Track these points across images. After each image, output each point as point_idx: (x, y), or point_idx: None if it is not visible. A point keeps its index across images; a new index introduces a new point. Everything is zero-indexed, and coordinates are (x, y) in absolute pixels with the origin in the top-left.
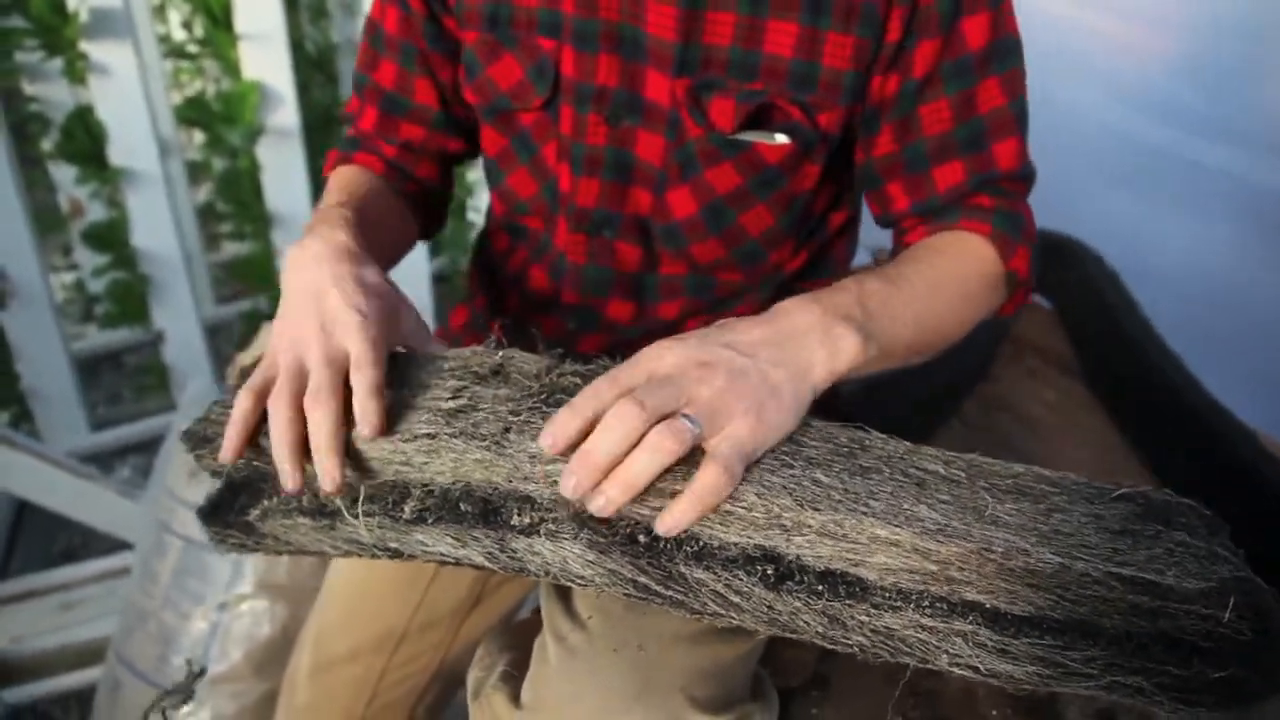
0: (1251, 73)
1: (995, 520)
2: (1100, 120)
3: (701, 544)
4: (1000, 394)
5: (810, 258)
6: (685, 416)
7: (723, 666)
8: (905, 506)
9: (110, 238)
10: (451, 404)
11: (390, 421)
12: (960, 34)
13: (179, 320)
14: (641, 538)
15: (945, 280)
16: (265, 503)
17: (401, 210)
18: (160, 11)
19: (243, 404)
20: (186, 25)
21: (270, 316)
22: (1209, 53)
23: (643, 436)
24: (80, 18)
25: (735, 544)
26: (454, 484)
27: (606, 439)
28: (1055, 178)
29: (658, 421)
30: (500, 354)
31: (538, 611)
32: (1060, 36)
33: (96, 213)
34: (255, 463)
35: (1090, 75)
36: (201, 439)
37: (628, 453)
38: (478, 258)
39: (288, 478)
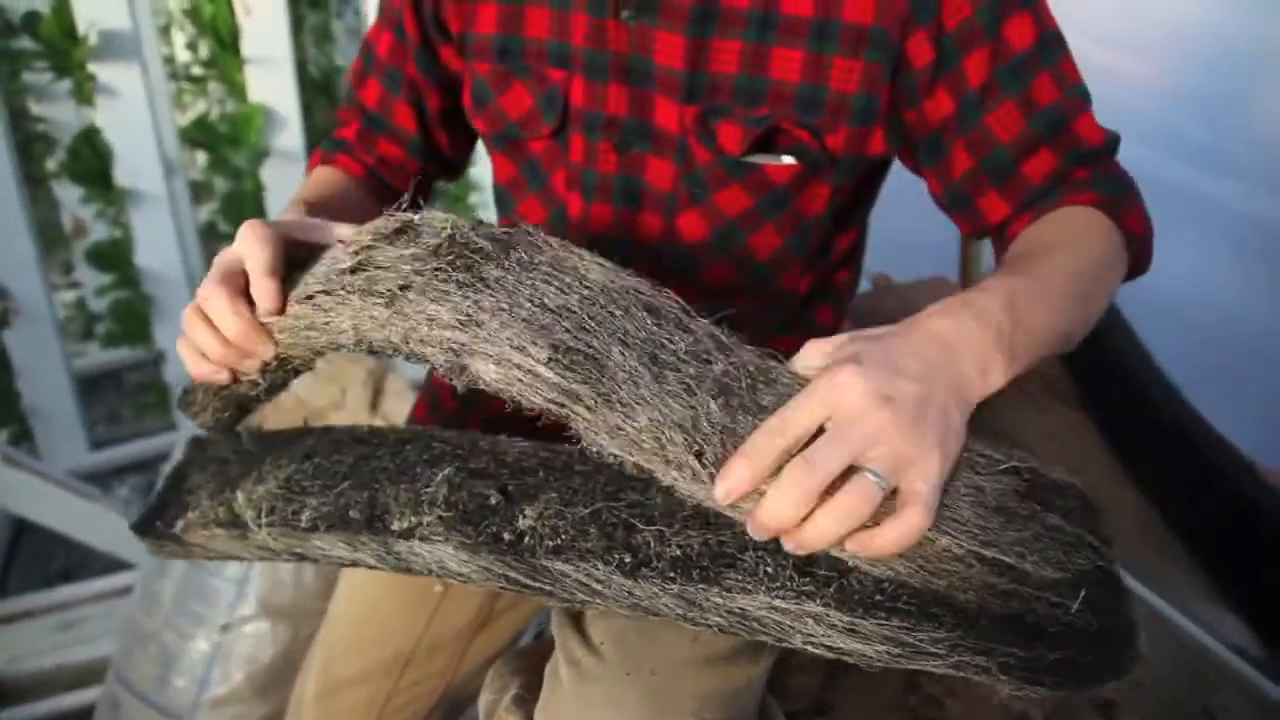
0: (1251, 107)
1: None
2: None
3: (560, 540)
4: (998, 421)
5: (817, 281)
6: (871, 472)
7: (733, 690)
8: None
9: (114, 257)
10: (350, 263)
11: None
12: (1005, 38)
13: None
14: (506, 536)
15: (1084, 264)
16: (186, 516)
17: (372, 210)
18: (166, 33)
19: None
20: (191, 47)
21: None
22: (1210, 87)
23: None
24: (89, 40)
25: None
26: (345, 488)
27: (779, 508)
28: None
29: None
30: (409, 215)
31: (549, 635)
32: None
33: (100, 232)
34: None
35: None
36: (189, 402)
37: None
38: None
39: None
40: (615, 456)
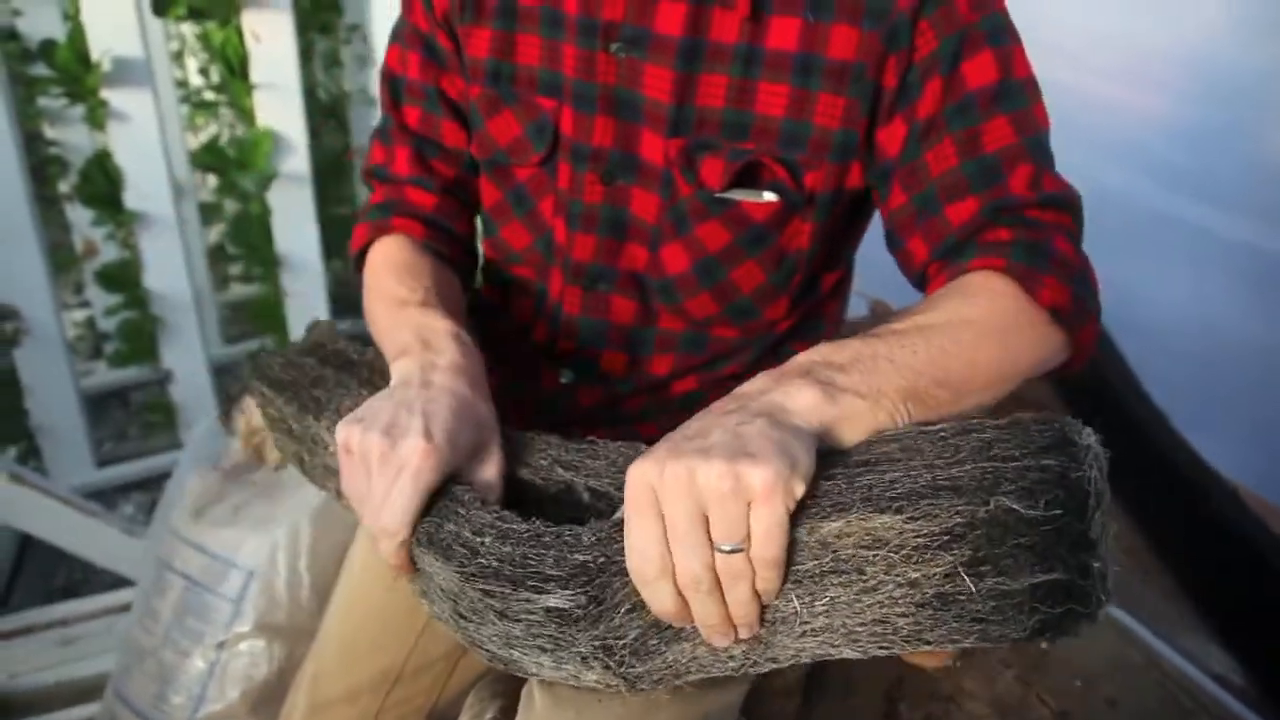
0: (1241, 139)
1: (803, 633)
2: (1096, 180)
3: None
4: None
5: (803, 316)
6: (721, 549)
7: (706, 715)
8: (714, 652)
9: (123, 278)
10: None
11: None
12: (962, 75)
13: (187, 360)
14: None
15: (949, 324)
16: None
17: (454, 281)
18: (179, 58)
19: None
20: (204, 72)
21: None
22: (1201, 118)
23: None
24: (103, 67)
25: None
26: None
27: (712, 614)
28: None
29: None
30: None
31: None
32: (1059, 100)
33: (109, 253)
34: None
35: (1087, 137)
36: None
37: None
38: (473, 310)
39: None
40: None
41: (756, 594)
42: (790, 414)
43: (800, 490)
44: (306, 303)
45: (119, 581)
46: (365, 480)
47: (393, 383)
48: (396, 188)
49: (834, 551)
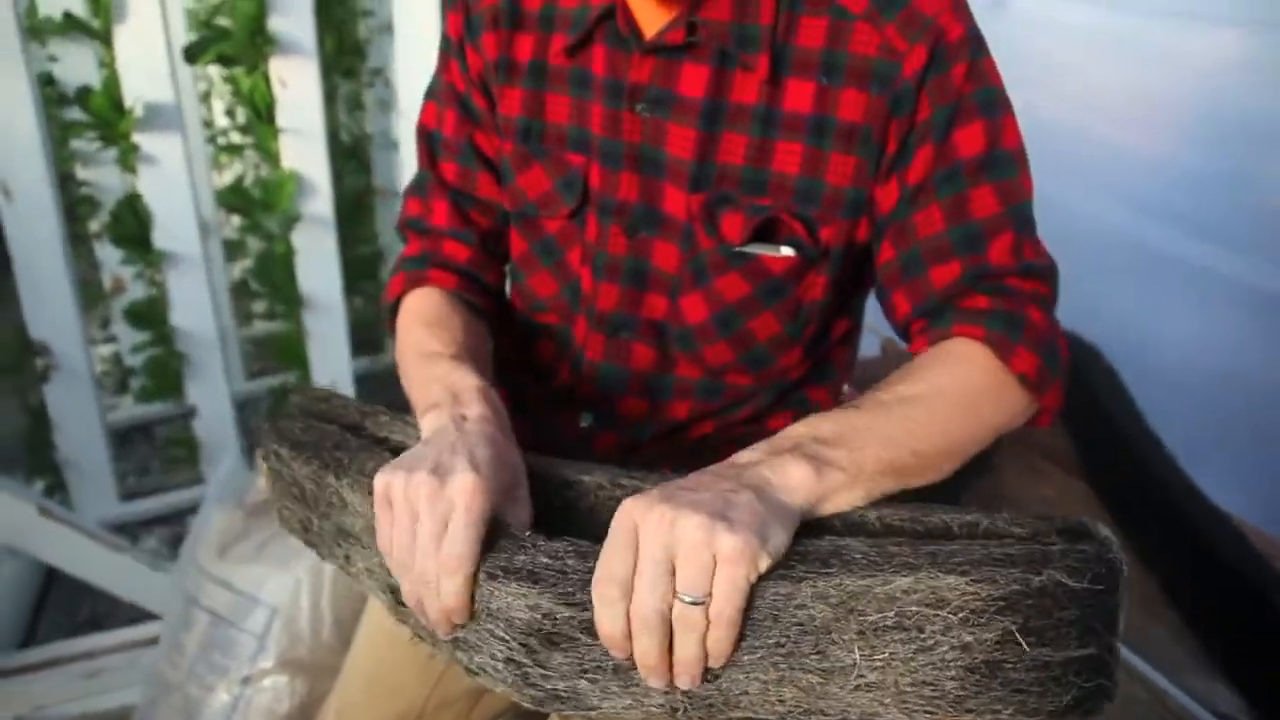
0: (1240, 180)
1: (859, 685)
2: (1100, 220)
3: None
4: (1000, 488)
5: (815, 363)
6: (684, 598)
7: None
8: (774, 691)
9: (150, 316)
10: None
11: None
12: (953, 143)
13: (211, 396)
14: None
15: (927, 396)
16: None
17: (484, 333)
18: (206, 99)
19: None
20: (229, 113)
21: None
22: (1202, 160)
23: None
24: (135, 113)
25: None
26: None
27: (650, 652)
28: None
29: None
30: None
31: None
32: (1064, 141)
33: (136, 290)
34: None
35: (1091, 178)
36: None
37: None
38: (496, 354)
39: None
40: None
41: (705, 650)
42: (778, 490)
43: (765, 565)
44: (327, 340)
45: (143, 615)
46: (409, 527)
47: (424, 435)
48: (434, 240)
49: (899, 607)
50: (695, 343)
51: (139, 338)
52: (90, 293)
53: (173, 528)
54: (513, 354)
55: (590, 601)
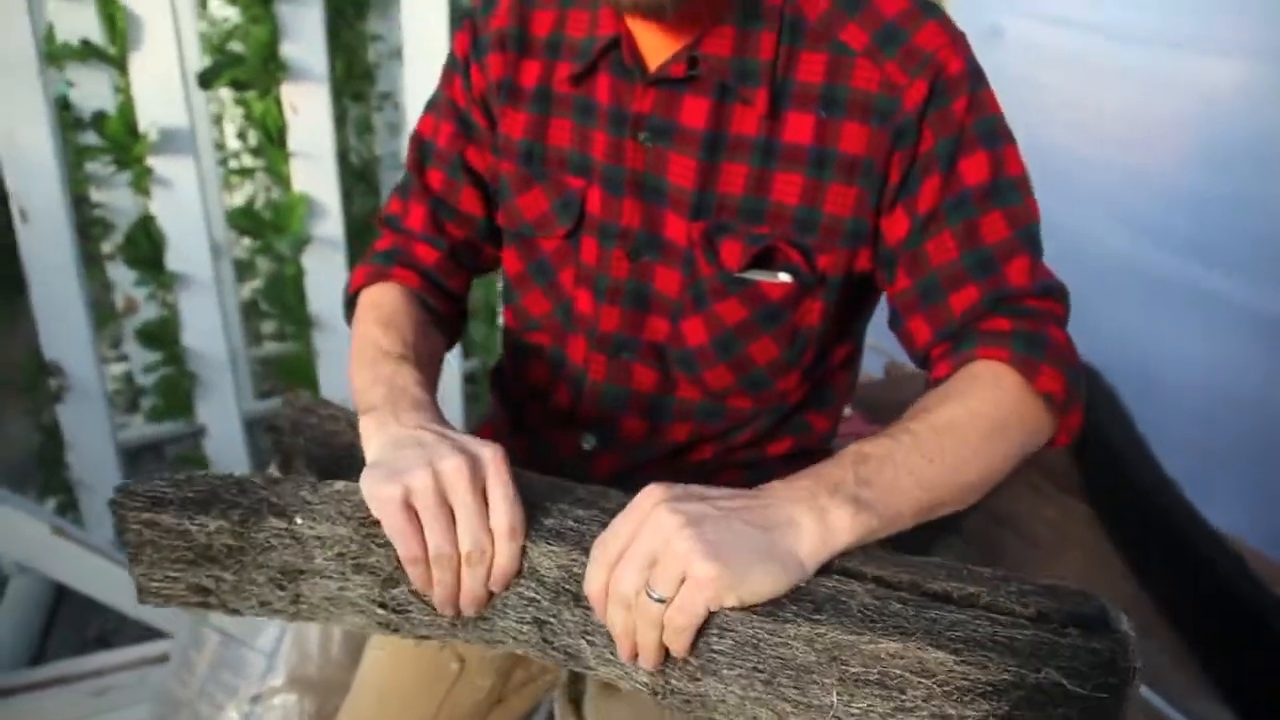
0: (1241, 204)
1: None
2: (1101, 243)
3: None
4: (1002, 509)
5: (814, 387)
6: (650, 594)
7: None
8: (750, 709)
9: (162, 336)
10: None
11: None
12: (959, 172)
13: (221, 415)
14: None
15: (961, 423)
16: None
17: (438, 341)
18: (218, 121)
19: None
20: (241, 135)
21: None
22: (1203, 184)
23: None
24: (150, 137)
25: None
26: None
27: (613, 623)
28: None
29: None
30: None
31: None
32: (1062, 164)
33: (148, 311)
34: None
35: (1091, 201)
36: (162, 602)
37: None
38: (496, 375)
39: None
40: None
41: (663, 644)
42: (800, 540)
43: (730, 602)
44: (336, 360)
45: (151, 633)
46: (440, 514)
47: (364, 434)
48: (405, 239)
49: (883, 666)
50: (696, 365)
51: (150, 357)
52: (102, 313)
53: None
54: (510, 373)
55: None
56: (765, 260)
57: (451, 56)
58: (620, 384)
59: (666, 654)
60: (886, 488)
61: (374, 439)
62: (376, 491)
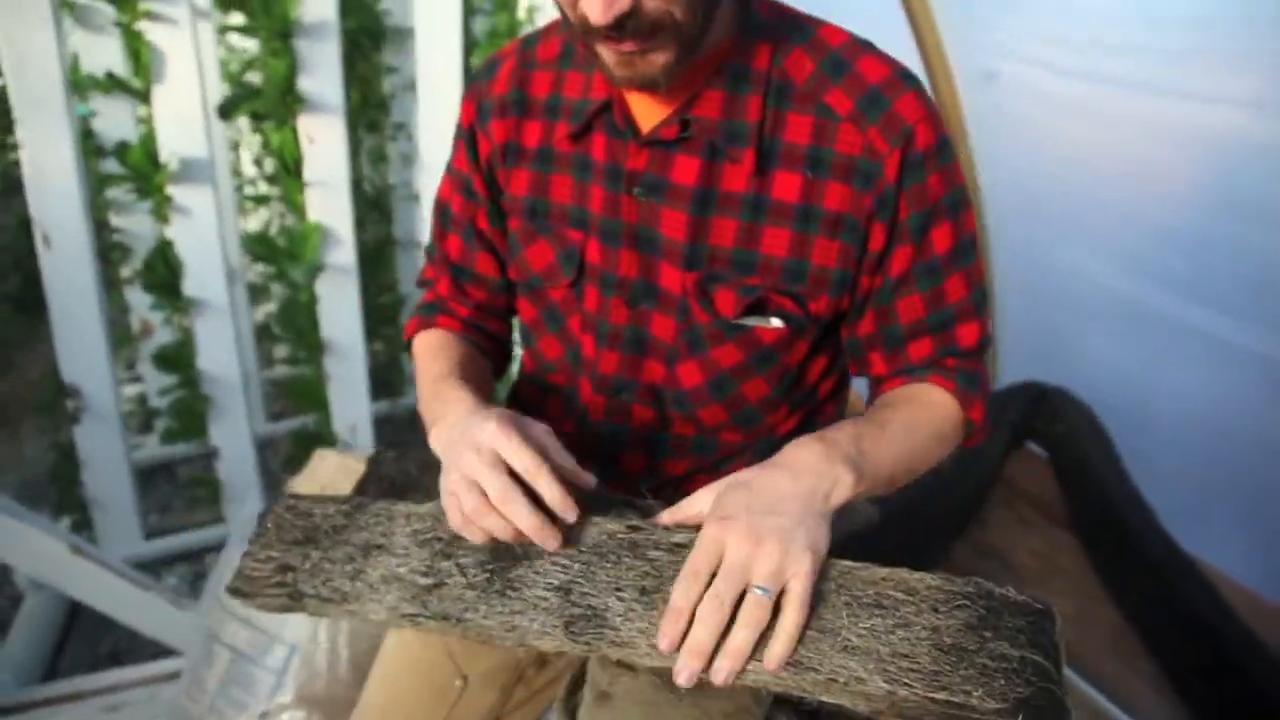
0: (1231, 245)
1: (845, 646)
2: (1098, 281)
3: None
4: (989, 540)
5: (801, 421)
6: (758, 588)
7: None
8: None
9: (178, 360)
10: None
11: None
12: (930, 240)
13: (233, 437)
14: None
15: (920, 425)
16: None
17: (485, 365)
18: (234, 148)
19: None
20: (257, 162)
21: (318, 436)
22: (1194, 225)
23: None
24: (170, 167)
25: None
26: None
27: (704, 633)
28: (1058, 332)
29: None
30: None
31: None
32: (1065, 205)
33: (163, 335)
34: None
35: (1090, 241)
36: (244, 592)
37: (722, 632)
38: (510, 407)
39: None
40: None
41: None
42: (829, 502)
43: (815, 569)
44: (347, 384)
45: (162, 651)
46: (474, 488)
47: (438, 450)
48: (440, 299)
49: (878, 589)
50: (690, 405)
51: (165, 380)
52: (117, 335)
53: (193, 566)
54: (521, 409)
55: (654, 532)
56: (759, 307)
57: (458, 126)
58: (619, 422)
59: None
60: (874, 461)
61: (437, 447)
62: (441, 488)
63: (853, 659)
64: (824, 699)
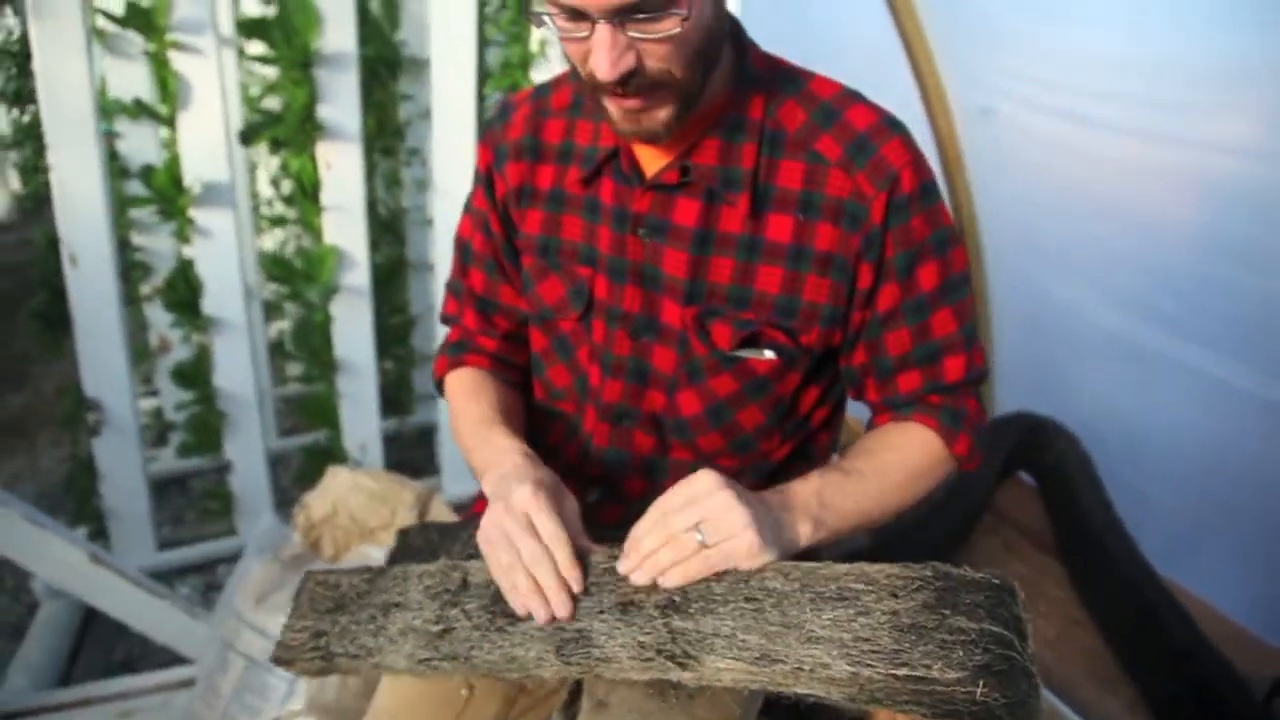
0: (1221, 286)
1: (810, 637)
2: (1091, 319)
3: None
4: (976, 565)
5: (795, 448)
6: (698, 533)
7: None
8: (740, 637)
9: (195, 376)
10: None
11: None
12: (915, 279)
13: (247, 451)
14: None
15: (893, 468)
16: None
17: (519, 400)
18: (253, 170)
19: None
20: (274, 183)
21: (329, 452)
22: (1186, 266)
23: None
24: (194, 190)
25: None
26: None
27: (649, 542)
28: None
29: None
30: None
31: None
32: (1060, 241)
33: (180, 351)
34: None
35: (1085, 277)
36: (284, 660)
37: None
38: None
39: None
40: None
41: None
42: (787, 540)
43: (759, 564)
44: (359, 402)
45: (175, 658)
46: (509, 547)
47: (492, 489)
48: (466, 334)
49: (840, 583)
50: (689, 432)
51: (181, 394)
52: (136, 351)
53: (205, 576)
54: (534, 435)
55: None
56: (753, 340)
57: (476, 171)
58: (621, 447)
59: (672, 602)
60: (835, 512)
61: (488, 490)
62: (481, 528)
63: (817, 647)
64: (797, 689)
